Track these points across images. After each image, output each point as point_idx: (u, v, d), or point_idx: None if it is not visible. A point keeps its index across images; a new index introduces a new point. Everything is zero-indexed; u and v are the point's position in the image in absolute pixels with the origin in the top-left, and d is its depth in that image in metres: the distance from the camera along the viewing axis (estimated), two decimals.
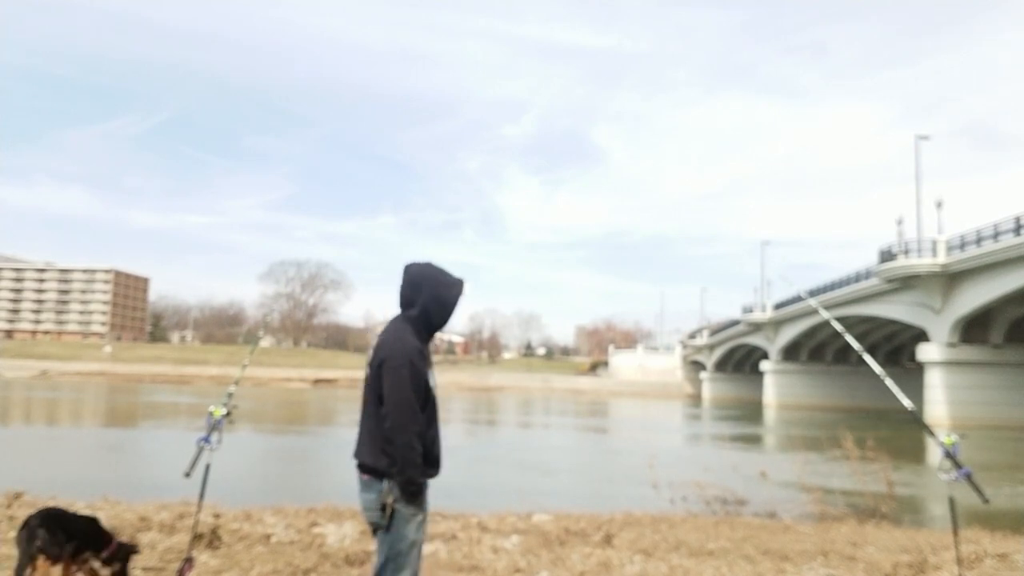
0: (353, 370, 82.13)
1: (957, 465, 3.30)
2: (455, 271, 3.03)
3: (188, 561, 3.80)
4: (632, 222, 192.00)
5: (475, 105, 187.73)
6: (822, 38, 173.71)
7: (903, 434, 26.83)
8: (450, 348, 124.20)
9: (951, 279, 37.33)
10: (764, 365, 63.82)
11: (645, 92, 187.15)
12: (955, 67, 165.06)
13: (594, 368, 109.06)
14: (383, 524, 2.68)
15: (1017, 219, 32.34)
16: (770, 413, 52.28)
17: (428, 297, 2.86)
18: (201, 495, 3.87)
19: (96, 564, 3.80)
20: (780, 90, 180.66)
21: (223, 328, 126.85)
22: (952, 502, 3.50)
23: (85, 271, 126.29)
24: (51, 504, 4.57)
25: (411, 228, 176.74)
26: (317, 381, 77.44)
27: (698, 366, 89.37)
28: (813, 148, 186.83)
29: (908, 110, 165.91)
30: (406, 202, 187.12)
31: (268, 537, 5.52)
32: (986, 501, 3.32)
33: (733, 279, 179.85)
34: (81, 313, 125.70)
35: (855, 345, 4.52)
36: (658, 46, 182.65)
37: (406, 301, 2.89)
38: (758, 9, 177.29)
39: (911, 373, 46.89)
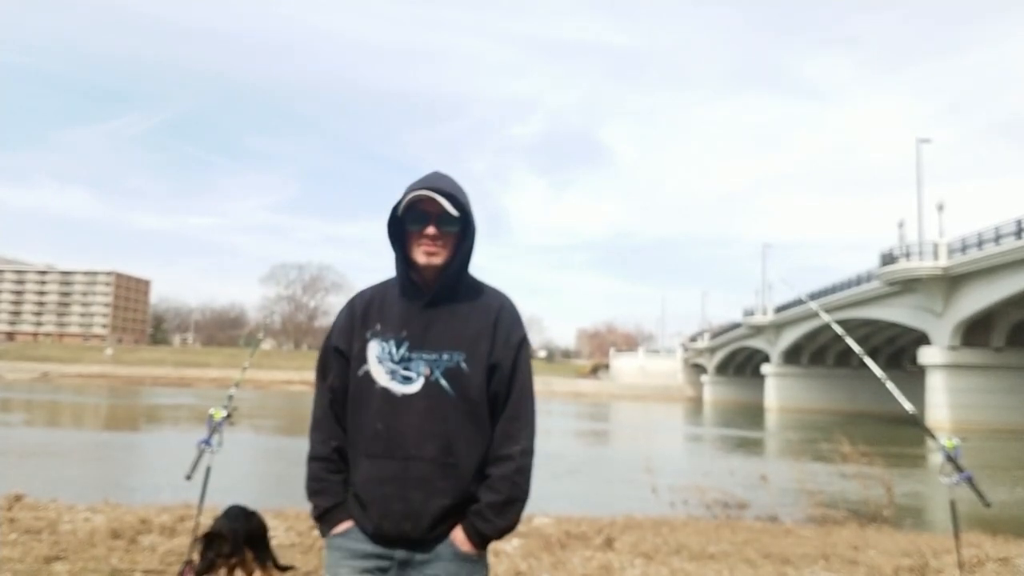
0: None
1: (958, 468, 3.30)
2: None
3: (188, 563, 3.80)
4: (639, 223, 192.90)
5: (482, 105, 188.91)
6: (849, 34, 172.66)
7: (904, 437, 26.79)
8: None
9: (952, 282, 37.30)
10: (765, 368, 63.76)
11: (656, 92, 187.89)
12: (988, 65, 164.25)
13: (595, 371, 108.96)
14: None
15: (1018, 222, 32.32)
16: (771, 416, 52.18)
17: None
18: (202, 498, 3.87)
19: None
20: (799, 91, 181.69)
21: (224, 330, 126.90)
22: (953, 505, 3.49)
23: (86, 273, 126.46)
24: (51, 506, 4.58)
25: None
26: None
27: (699, 369, 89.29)
28: (826, 150, 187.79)
29: (935, 110, 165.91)
30: None
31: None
32: (988, 504, 3.32)
33: (739, 282, 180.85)
34: (82, 315, 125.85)
35: (856, 348, 4.52)
36: (670, 45, 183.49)
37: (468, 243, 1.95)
38: (771, 8, 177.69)
39: (912, 376, 46.83)
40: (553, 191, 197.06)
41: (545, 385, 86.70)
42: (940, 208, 38.60)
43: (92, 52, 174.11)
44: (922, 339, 41.22)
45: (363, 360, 1.89)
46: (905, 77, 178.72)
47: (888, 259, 39.73)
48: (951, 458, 3.32)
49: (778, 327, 61.67)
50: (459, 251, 1.94)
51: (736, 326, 72.48)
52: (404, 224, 1.92)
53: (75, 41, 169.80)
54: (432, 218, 1.89)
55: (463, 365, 1.86)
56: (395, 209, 1.92)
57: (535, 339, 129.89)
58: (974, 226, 36.19)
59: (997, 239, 33.72)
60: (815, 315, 46.87)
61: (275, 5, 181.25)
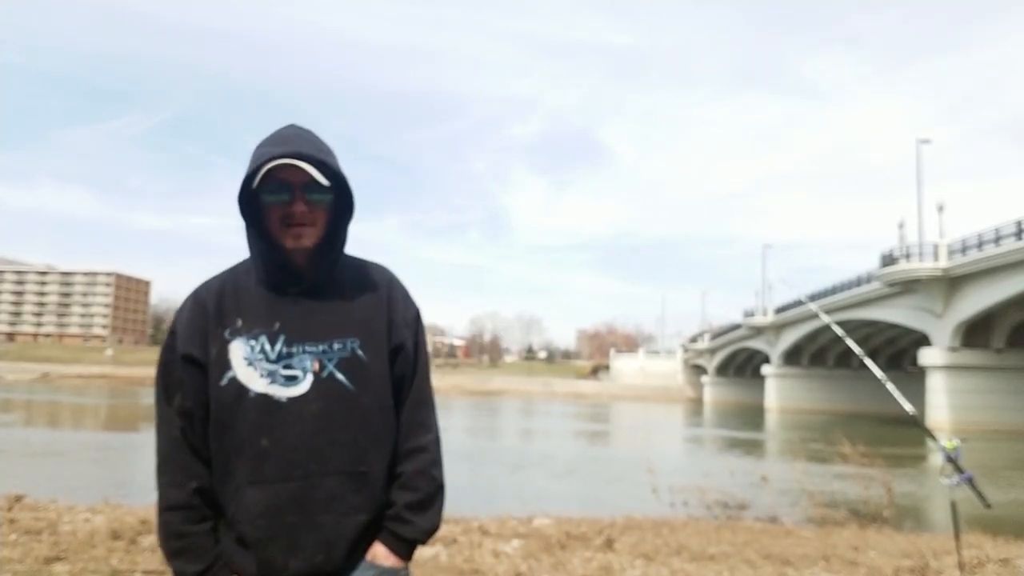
0: None
1: (959, 469, 3.30)
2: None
3: None
4: (640, 223, 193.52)
5: (482, 104, 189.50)
6: (850, 34, 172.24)
7: (905, 438, 26.78)
8: (451, 351, 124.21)
9: (952, 283, 37.29)
10: (765, 369, 63.76)
11: (656, 92, 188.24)
12: (989, 64, 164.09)
13: (595, 372, 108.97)
14: None
15: (1018, 223, 32.31)
16: (771, 417, 52.19)
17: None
18: None
19: None
20: (800, 90, 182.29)
21: None
22: (954, 506, 3.49)
23: (86, 274, 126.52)
24: (51, 507, 4.59)
25: (416, 230, 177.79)
26: None
27: (699, 370, 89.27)
28: (827, 150, 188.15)
29: (935, 110, 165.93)
30: (411, 203, 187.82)
31: None
32: (988, 505, 3.32)
33: (739, 282, 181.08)
34: (82, 316, 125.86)
35: (856, 349, 4.52)
36: (671, 45, 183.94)
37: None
38: (772, 8, 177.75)
39: (913, 377, 46.81)
40: (553, 191, 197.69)
41: (545, 386, 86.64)
42: (940, 209, 38.64)
43: (92, 52, 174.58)
44: (922, 340, 41.21)
45: (226, 366, 1.49)
46: (905, 77, 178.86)
47: (888, 260, 39.73)
48: (951, 459, 3.32)
49: (778, 328, 61.65)
50: (337, 227, 1.59)
51: (736, 327, 72.46)
52: (260, 195, 1.53)
53: (75, 41, 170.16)
54: (297, 189, 1.51)
55: (360, 352, 1.54)
56: (248, 179, 1.51)
57: (535, 340, 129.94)
58: (974, 227, 36.28)
59: (997, 240, 33.72)
60: (815, 316, 46.90)
61: (275, 5, 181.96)
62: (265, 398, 1.48)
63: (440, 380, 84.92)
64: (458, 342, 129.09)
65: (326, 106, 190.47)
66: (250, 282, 1.57)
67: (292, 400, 1.49)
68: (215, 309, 1.54)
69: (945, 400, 37.21)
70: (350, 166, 1.59)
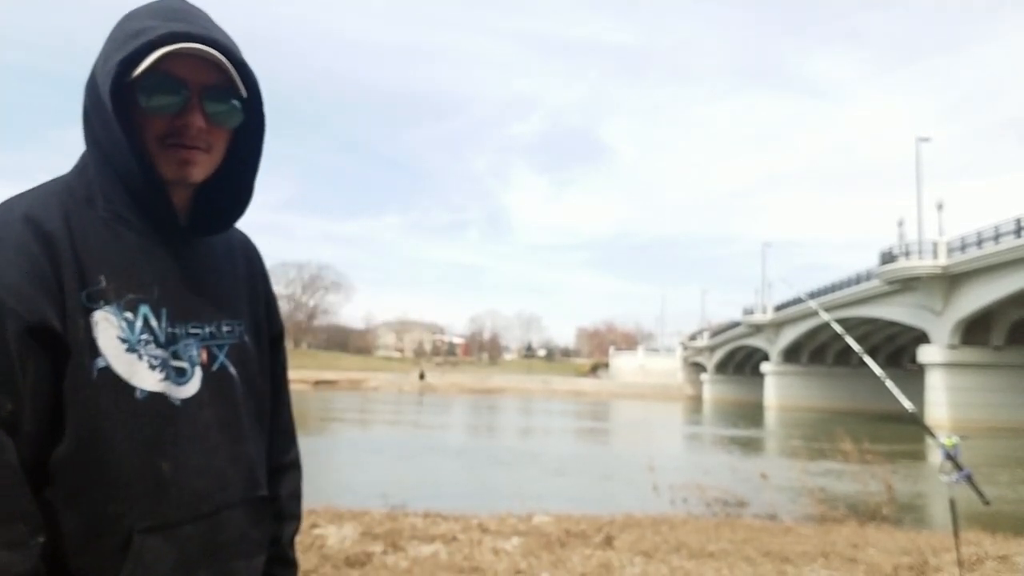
0: (354, 371, 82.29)
1: (958, 467, 3.30)
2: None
3: None
4: (640, 222, 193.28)
5: (483, 103, 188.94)
6: (851, 31, 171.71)
7: (904, 436, 26.82)
8: (451, 349, 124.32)
9: (952, 281, 37.33)
10: (765, 367, 63.81)
11: (657, 90, 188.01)
12: (990, 63, 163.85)
13: (595, 370, 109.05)
14: None
15: (1018, 221, 32.35)
16: (771, 415, 52.24)
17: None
18: None
19: None
20: (801, 89, 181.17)
21: None
22: (953, 504, 3.50)
23: None
24: None
25: (416, 228, 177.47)
26: (318, 383, 77.39)
27: (699, 368, 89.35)
28: (827, 149, 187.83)
29: (936, 109, 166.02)
30: (411, 202, 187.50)
31: None
32: (987, 503, 3.33)
33: (739, 280, 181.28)
34: None
35: (855, 347, 4.53)
36: (671, 43, 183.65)
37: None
38: (773, 6, 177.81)
39: (912, 375, 46.83)
40: (554, 190, 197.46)
41: (545, 384, 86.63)
42: (940, 207, 38.69)
43: (92, 51, 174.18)
44: (922, 338, 41.25)
45: (92, 348, 0.93)
46: (907, 75, 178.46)
47: (888, 258, 39.78)
48: (950, 456, 3.32)
49: (778, 326, 61.70)
50: (244, 159, 1.10)
51: (736, 325, 72.54)
52: (134, 95, 1.00)
53: (75, 40, 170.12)
54: (195, 94, 1.01)
55: (247, 339, 1.12)
56: (122, 63, 0.98)
57: (535, 338, 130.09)
58: (974, 225, 36.32)
59: (996, 238, 33.76)
60: (815, 314, 46.91)
61: (275, 5, 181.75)
62: (160, 401, 0.97)
63: (439, 378, 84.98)
64: (457, 340, 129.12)
65: (326, 105, 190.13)
66: (96, 218, 1.00)
67: (186, 403, 1.00)
68: (72, 256, 0.94)
69: (944, 397, 37.25)
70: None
